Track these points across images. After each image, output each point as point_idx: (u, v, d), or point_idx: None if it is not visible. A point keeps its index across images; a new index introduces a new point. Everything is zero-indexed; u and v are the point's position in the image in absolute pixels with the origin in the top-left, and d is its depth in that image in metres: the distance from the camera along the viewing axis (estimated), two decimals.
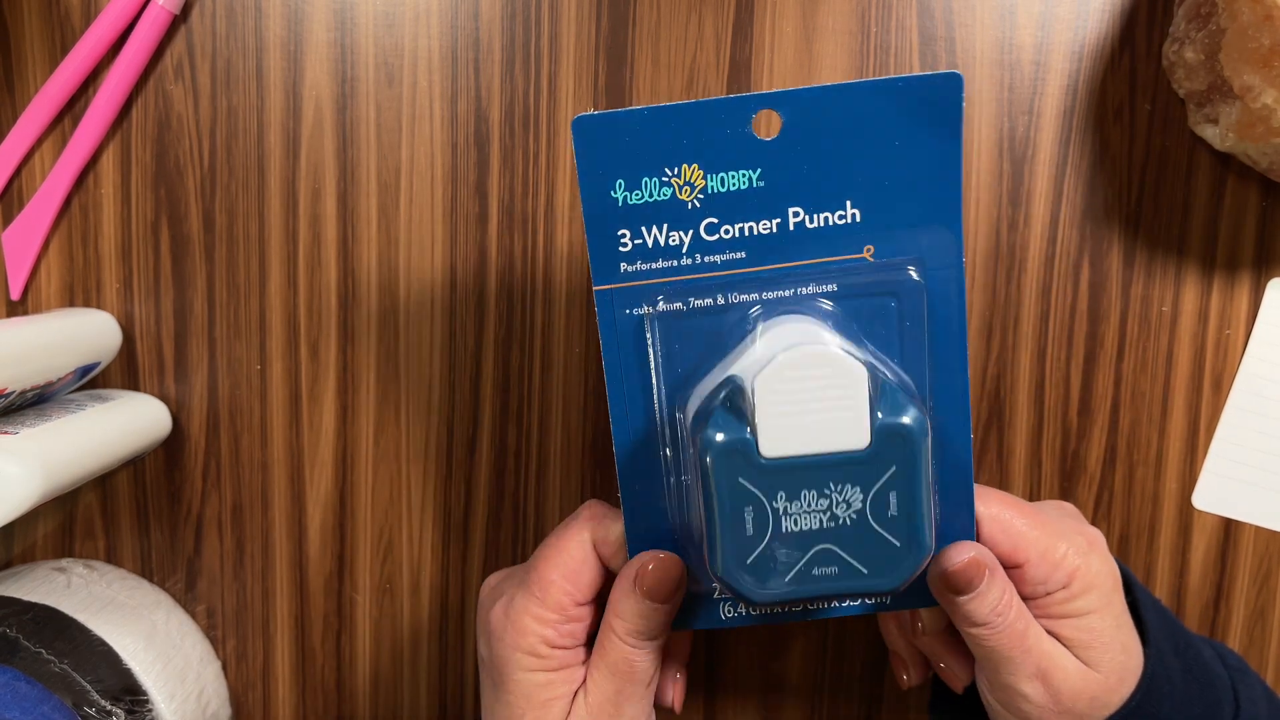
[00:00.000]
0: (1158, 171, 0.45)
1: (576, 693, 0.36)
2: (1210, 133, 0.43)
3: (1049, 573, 0.35)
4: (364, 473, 0.46)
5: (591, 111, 0.33)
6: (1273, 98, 0.38)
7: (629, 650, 0.35)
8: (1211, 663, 0.39)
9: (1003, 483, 0.46)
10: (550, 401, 0.46)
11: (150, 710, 0.42)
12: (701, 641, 0.47)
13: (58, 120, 0.45)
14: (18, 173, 0.45)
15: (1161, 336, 0.45)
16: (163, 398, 0.46)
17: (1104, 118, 0.44)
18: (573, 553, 0.36)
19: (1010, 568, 0.35)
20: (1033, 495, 0.46)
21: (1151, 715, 0.36)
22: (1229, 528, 0.46)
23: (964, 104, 0.33)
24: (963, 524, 0.36)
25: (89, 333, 0.44)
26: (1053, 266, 0.45)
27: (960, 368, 0.35)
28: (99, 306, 0.45)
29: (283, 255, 0.45)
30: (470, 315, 0.45)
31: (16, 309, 0.45)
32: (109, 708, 0.40)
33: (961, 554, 0.34)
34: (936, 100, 0.33)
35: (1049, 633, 0.35)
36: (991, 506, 0.36)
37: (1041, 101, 0.44)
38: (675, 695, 0.39)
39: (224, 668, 0.47)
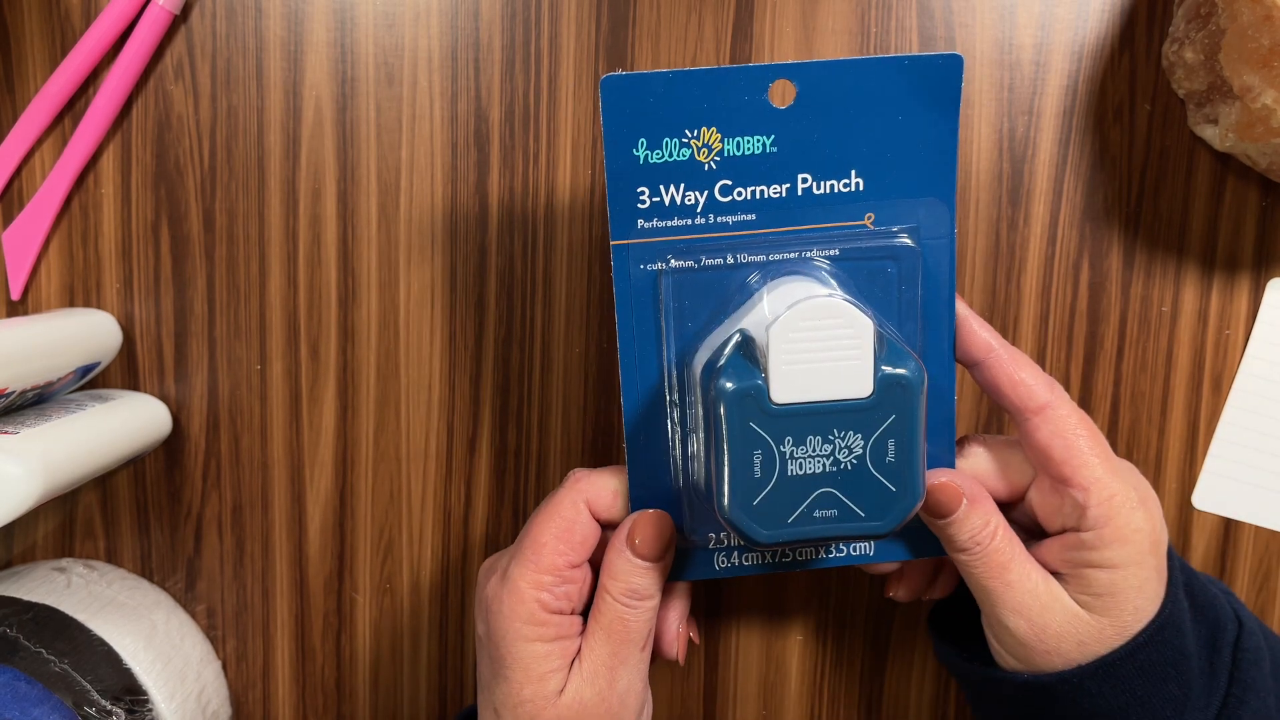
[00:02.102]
0: (1158, 171, 0.45)
1: (573, 664, 0.36)
2: (1210, 133, 0.43)
3: (1092, 508, 0.35)
4: (364, 473, 0.46)
5: (620, 72, 0.33)
6: (1272, 98, 0.38)
7: (623, 610, 0.36)
8: (1215, 597, 0.39)
9: None
10: (550, 401, 0.46)
11: (150, 710, 0.42)
12: (702, 641, 0.47)
13: (58, 120, 0.45)
14: (18, 173, 0.45)
15: (1161, 336, 0.45)
16: (163, 398, 0.46)
17: (1104, 118, 0.44)
18: (564, 513, 0.36)
19: (1060, 482, 0.35)
20: None
21: (1152, 661, 0.35)
22: (1229, 528, 0.46)
23: (963, 85, 0.34)
24: (945, 464, 0.37)
25: (89, 333, 0.44)
26: (1053, 266, 0.45)
27: (949, 327, 0.37)
28: (99, 306, 0.45)
29: (283, 255, 0.45)
30: (470, 315, 0.45)
31: (16, 309, 0.46)
32: (109, 707, 0.40)
33: (937, 478, 0.36)
34: (937, 80, 0.35)
35: (1066, 573, 0.35)
36: (1070, 417, 0.35)
37: (1041, 101, 0.44)
38: (680, 648, 0.39)
39: (224, 667, 0.47)
